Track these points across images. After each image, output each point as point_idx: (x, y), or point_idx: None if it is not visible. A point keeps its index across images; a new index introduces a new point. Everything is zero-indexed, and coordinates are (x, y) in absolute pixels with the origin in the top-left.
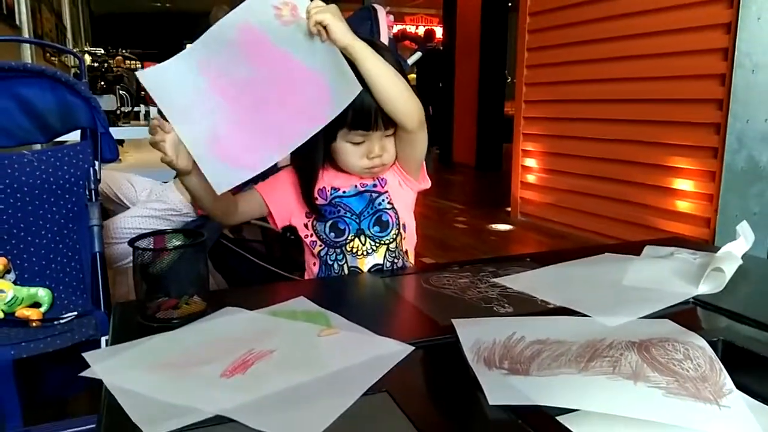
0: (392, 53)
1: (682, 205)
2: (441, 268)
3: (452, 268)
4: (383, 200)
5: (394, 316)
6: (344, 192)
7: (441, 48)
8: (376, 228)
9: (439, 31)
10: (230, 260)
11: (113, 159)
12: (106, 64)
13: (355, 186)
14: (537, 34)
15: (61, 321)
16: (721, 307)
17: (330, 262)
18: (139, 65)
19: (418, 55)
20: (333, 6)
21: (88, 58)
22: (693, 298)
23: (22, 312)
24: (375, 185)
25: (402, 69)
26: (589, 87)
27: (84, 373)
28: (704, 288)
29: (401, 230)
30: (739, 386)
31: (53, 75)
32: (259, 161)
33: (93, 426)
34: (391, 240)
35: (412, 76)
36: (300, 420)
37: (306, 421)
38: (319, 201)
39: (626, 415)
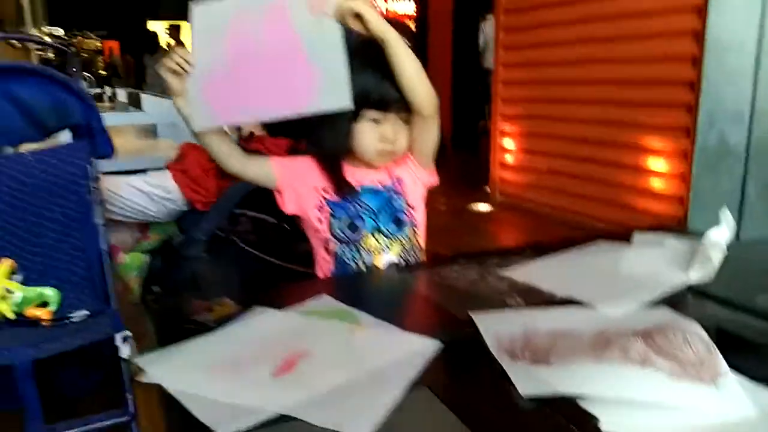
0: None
1: (657, 184)
2: (449, 261)
3: (459, 261)
4: (400, 200)
5: (415, 311)
6: (362, 188)
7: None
8: (393, 226)
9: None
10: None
11: (109, 155)
12: (71, 47)
13: (374, 183)
14: (513, 15)
15: (72, 319)
16: (711, 294)
17: (347, 261)
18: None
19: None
20: None
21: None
22: (685, 286)
23: (32, 312)
24: (393, 185)
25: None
26: (565, 69)
27: (141, 378)
28: (695, 276)
29: (415, 227)
30: (732, 367)
31: (47, 73)
32: (229, 115)
33: (113, 421)
34: (406, 237)
35: None
36: (356, 415)
37: (362, 415)
38: (335, 198)
39: (639, 399)
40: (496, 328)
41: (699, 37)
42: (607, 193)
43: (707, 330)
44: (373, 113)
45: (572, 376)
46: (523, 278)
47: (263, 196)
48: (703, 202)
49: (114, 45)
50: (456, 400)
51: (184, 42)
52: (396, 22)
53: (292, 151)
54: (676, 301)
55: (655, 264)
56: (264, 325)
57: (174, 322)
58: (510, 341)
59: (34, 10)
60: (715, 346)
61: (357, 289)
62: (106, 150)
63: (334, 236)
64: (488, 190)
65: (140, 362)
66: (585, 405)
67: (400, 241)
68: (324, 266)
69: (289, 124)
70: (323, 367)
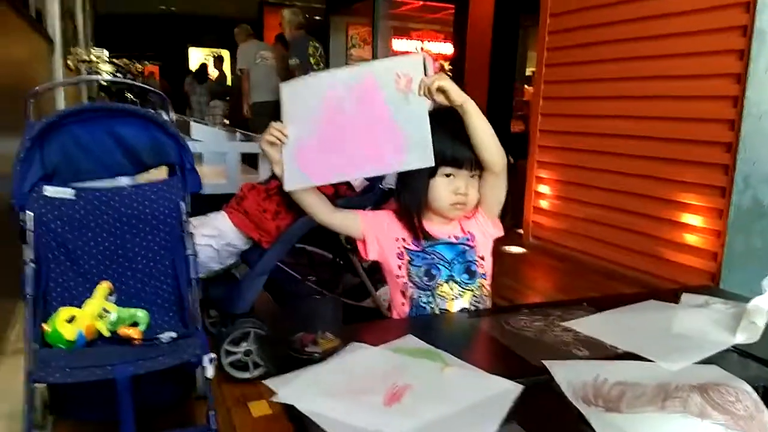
0: None
1: (691, 239)
2: (514, 311)
3: (523, 311)
4: (473, 253)
5: (492, 355)
6: (438, 240)
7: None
8: (465, 276)
9: (444, 48)
10: (285, 283)
11: (198, 191)
12: (128, 75)
13: (448, 237)
14: (553, 68)
15: (162, 341)
16: (756, 356)
17: (422, 305)
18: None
19: None
20: (443, 75)
21: (110, 68)
22: (732, 346)
23: (125, 331)
24: (467, 239)
25: None
26: (605, 122)
27: (275, 399)
28: (741, 338)
29: (485, 277)
30: None
31: (147, 116)
32: (319, 176)
33: None
34: (477, 286)
35: None
36: None
37: None
38: (414, 248)
39: None
40: (569, 376)
41: (737, 101)
42: (641, 245)
43: (755, 389)
44: (447, 169)
45: (642, 423)
46: (585, 331)
47: (320, 234)
48: (736, 260)
49: (154, 69)
50: None
51: (225, 71)
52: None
53: None
54: (723, 360)
55: (704, 324)
56: (365, 359)
57: (279, 351)
58: (583, 388)
59: (84, 33)
60: (762, 403)
61: (437, 331)
62: (196, 187)
63: (412, 282)
64: (521, 232)
65: (271, 384)
66: None
67: (472, 289)
68: (400, 309)
69: None
70: (425, 399)
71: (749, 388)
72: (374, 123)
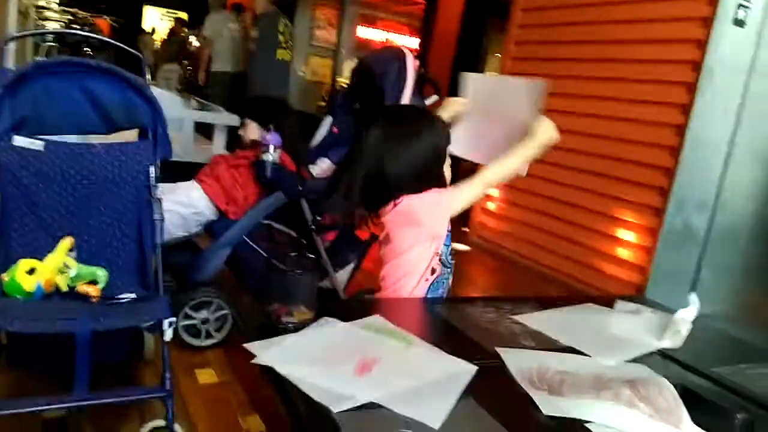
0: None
1: (623, 253)
2: (469, 302)
3: (478, 303)
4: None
5: (451, 339)
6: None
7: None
8: (451, 257)
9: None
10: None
11: (168, 157)
12: (86, 27)
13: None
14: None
15: (121, 300)
16: (677, 359)
17: (443, 281)
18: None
19: (434, 97)
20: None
21: (58, 16)
22: (658, 350)
23: (83, 288)
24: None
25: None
26: None
27: (255, 361)
28: (666, 343)
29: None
30: (693, 420)
31: (123, 76)
32: (471, 153)
33: (151, 395)
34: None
35: None
36: (428, 409)
37: (432, 410)
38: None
39: (626, 430)
40: (518, 363)
41: (681, 130)
42: (577, 254)
43: (675, 387)
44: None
45: (580, 406)
46: (532, 325)
47: (287, 212)
48: (661, 276)
49: (104, 24)
50: (495, 410)
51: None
52: (427, 77)
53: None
54: (650, 360)
55: (635, 329)
56: (337, 333)
57: (254, 319)
58: (529, 374)
59: None
60: (680, 399)
61: (401, 314)
62: (167, 152)
63: (441, 261)
64: (467, 230)
65: (250, 348)
66: (590, 426)
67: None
68: (421, 287)
69: None
70: (392, 372)
71: (670, 386)
72: (510, 128)
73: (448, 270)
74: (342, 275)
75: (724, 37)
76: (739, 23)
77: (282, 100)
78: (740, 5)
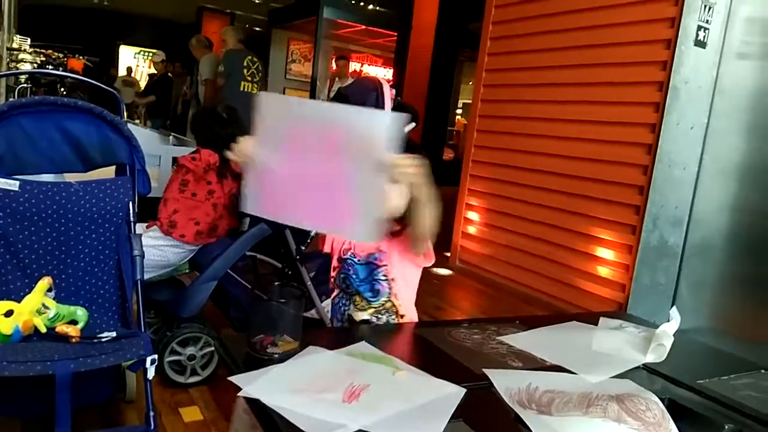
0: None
1: (603, 271)
2: (454, 324)
3: (463, 325)
4: (380, 272)
5: (438, 362)
6: (352, 255)
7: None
8: (370, 294)
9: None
10: (231, 290)
11: (146, 193)
12: (60, 68)
13: (362, 253)
14: (488, 104)
15: (102, 340)
16: (662, 373)
17: (340, 306)
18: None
19: (412, 125)
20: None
21: (30, 57)
22: (642, 364)
23: (62, 328)
24: (375, 257)
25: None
26: (533, 158)
27: (241, 394)
28: (650, 357)
29: (393, 299)
30: (680, 431)
31: (99, 113)
32: (271, 211)
33: None
34: (381, 304)
35: None
36: None
37: None
38: (343, 254)
39: None
40: (506, 383)
41: (651, 149)
42: (558, 274)
43: (662, 400)
44: None
45: (569, 424)
46: (518, 345)
47: (271, 243)
48: (642, 292)
49: (77, 65)
50: (486, 431)
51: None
52: (404, 104)
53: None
54: (635, 375)
55: (619, 344)
56: (323, 361)
57: (241, 350)
58: (518, 394)
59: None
60: (667, 412)
61: (387, 339)
62: (146, 188)
63: (336, 284)
64: (448, 255)
65: (236, 380)
66: None
67: (375, 306)
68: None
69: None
70: (381, 398)
71: (657, 400)
72: (331, 177)
73: (345, 298)
74: (328, 304)
75: (687, 57)
76: (701, 44)
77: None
78: (700, 26)
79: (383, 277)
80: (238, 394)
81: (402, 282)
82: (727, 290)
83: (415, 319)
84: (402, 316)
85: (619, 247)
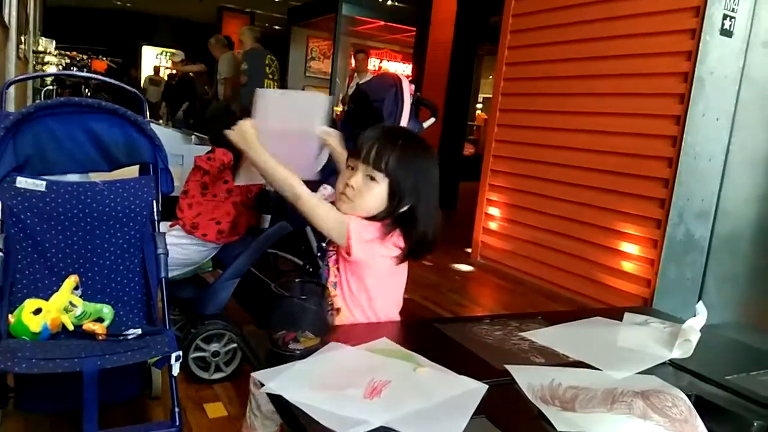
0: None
1: (627, 266)
2: (476, 320)
3: (485, 321)
4: (328, 257)
5: (460, 359)
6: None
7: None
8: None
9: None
10: (253, 286)
11: (169, 192)
12: (85, 69)
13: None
14: (509, 97)
15: (128, 337)
16: (689, 369)
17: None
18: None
19: (431, 120)
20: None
21: (56, 60)
22: (668, 360)
23: (89, 326)
24: (326, 250)
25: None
26: (556, 151)
27: (264, 390)
28: (677, 353)
29: (330, 287)
30: (708, 429)
31: (123, 114)
32: (258, 179)
33: (162, 431)
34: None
35: None
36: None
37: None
38: None
39: None
40: (529, 380)
41: (676, 141)
42: (582, 269)
43: (688, 397)
44: (350, 160)
45: (593, 421)
46: (540, 341)
47: (292, 240)
48: (668, 287)
49: (101, 66)
50: (509, 428)
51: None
52: (423, 99)
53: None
54: (661, 371)
55: (644, 340)
56: (345, 357)
57: (263, 346)
58: (541, 390)
59: (35, 23)
60: (694, 409)
61: (408, 335)
62: (169, 187)
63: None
64: (469, 251)
65: (258, 376)
66: None
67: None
68: None
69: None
70: (402, 394)
71: (684, 396)
72: (303, 140)
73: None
74: None
75: (712, 47)
76: (727, 33)
77: None
78: (726, 15)
79: (329, 265)
80: (261, 390)
81: (347, 274)
82: (756, 284)
83: (374, 320)
84: (337, 310)
85: (644, 242)
